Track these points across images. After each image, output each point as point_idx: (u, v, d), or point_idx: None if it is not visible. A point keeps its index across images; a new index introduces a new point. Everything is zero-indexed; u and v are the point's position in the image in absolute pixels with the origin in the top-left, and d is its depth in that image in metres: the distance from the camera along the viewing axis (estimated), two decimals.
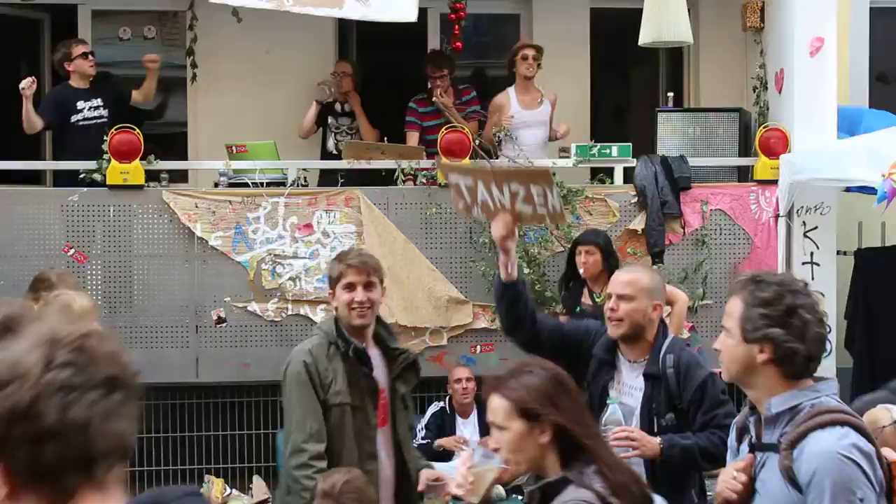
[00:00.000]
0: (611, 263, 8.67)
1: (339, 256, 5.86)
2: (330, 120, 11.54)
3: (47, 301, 6.77)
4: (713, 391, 5.31)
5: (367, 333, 5.70)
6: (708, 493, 5.63)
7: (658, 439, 5.19)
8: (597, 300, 8.62)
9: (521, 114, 10.95)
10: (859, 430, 3.61)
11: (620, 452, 5.09)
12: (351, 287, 5.58)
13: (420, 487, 5.65)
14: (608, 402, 5.28)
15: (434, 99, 11.07)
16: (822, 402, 3.70)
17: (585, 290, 9.01)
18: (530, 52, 11.04)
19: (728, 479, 3.83)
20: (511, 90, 11.09)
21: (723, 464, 5.36)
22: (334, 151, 11.46)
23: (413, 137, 11.37)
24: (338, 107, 11.57)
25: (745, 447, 3.88)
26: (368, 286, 5.61)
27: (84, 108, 10.73)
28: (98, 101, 10.77)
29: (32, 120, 10.53)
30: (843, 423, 3.60)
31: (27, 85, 10.25)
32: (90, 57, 10.84)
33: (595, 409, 5.26)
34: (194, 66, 11.92)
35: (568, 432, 3.78)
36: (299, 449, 5.49)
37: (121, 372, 2.00)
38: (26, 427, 1.91)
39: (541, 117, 11.04)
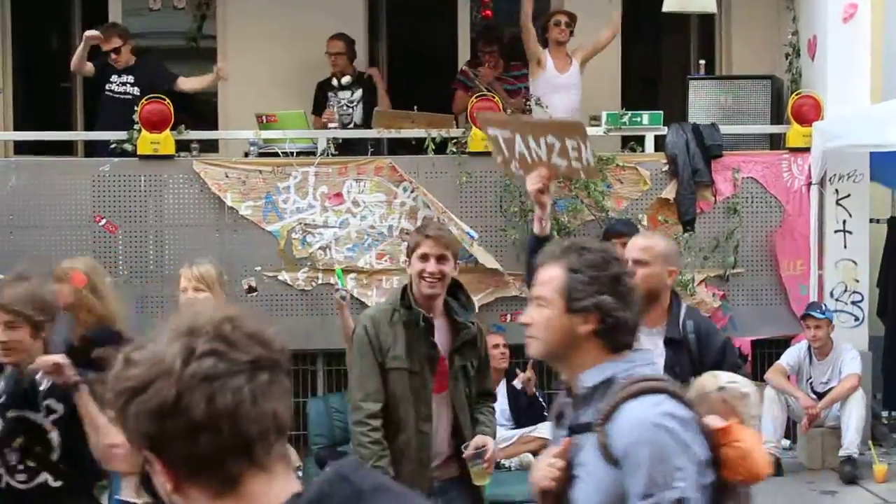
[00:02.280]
0: None
1: (418, 228, 6.14)
2: (330, 95, 11.49)
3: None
4: (731, 356, 5.35)
5: (435, 303, 5.84)
6: None
7: None
8: None
9: (554, 76, 10.92)
10: (676, 396, 3.33)
11: None
12: (425, 258, 5.73)
13: (465, 454, 5.76)
14: None
15: (473, 72, 11.09)
16: (635, 372, 3.41)
17: None
18: (563, 18, 11.03)
19: (544, 466, 3.53)
20: (547, 50, 11.07)
21: None
22: (339, 126, 11.43)
23: (461, 98, 11.39)
24: (334, 82, 11.51)
25: (563, 432, 3.56)
26: (441, 259, 5.75)
27: (115, 82, 10.77)
28: (129, 78, 10.79)
29: (81, 62, 10.66)
30: (656, 391, 3.31)
31: (92, 35, 10.44)
32: (116, 54, 10.77)
33: None
34: (195, 35, 11.87)
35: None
36: (357, 406, 5.75)
37: (264, 351, 2.00)
38: (177, 422, 1.92)
39: (572, 80, 11.00)
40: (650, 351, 3.64)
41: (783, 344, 10.45)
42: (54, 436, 5.03)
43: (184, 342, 1.95)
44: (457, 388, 5.90)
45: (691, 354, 5.28)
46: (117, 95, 10.72)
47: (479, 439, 5.86)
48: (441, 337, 5.86)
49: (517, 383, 9.96)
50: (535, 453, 9.82)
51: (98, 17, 12.04)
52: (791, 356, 10.10)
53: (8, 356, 4.91)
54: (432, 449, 5.82)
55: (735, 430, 3.40)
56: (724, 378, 4.71)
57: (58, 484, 5.09)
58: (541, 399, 10.03)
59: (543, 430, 9.89)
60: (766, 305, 10.59)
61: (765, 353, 10.60)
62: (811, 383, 10.05)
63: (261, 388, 1.96)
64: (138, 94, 10.64)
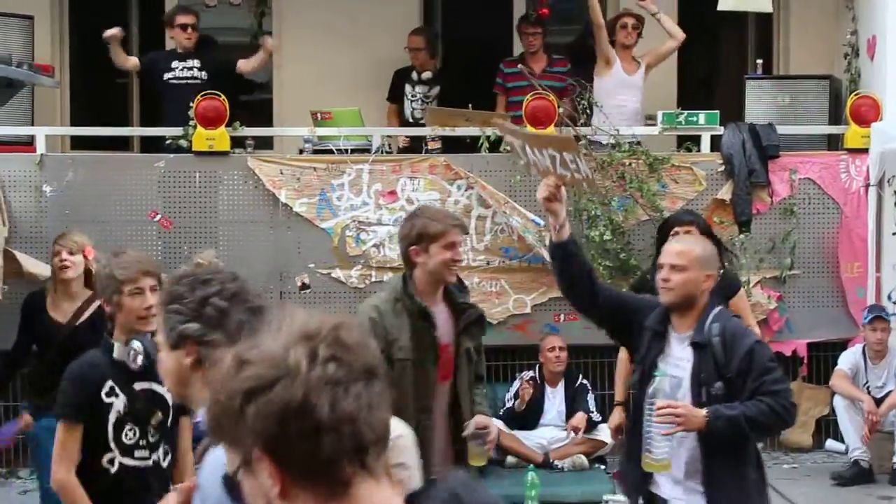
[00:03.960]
0: None
1: (431, 215, 5.82)
2: (407, 88, 11.52)
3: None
4: (761, 358, 5.20)
5: (439, 291, 5.77)
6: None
7: (703, 411, 5.11)
8: None
9: (622, 77, 10.89)
10: None
11: (665, 427, 5.11)
12: (452, 246, 5.64)
13: (465, 433, 5.68)
14: (655, 374, 5.23)
15: (519, 66, 11.01)
16: None
17: None
18: (630, 21, 11.02)
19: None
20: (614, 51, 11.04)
21: (774, 432, 5.33)
22: (411, 120, 11.46)
23: (501, 102, 11.45)
24: (414, 75, 11.53)
25: None
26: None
27: (177, 68, 10.83)
28: (195, 62, 10.85)
29: (121, 58, 10.83)
30: None
31: (110, 35, 10.56)
32: (189, 30, 10.87)
33: (647, 383, 5.27)
34: (257, 33, 11.92)
35: None
36: None
37: (375, 361, 2.04)
38: (301, 423, 1.93)
39: (637, 83, 10.98)
40: None
41: (839, 347, 10.36)
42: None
43: (307, 345, 1.97)
44: (461, 374, 5.82)
45: (716, 358, 5.19)
46: (183, 81, 10.73)
47: (481, 419, 5.77)
48: (443, 323, 5.77)
49: (516, 405, 9.90)
50: (588, 455, 9.80)
51: (154, 12, 12.09)
52: (848, 360, 10.01)
53: (151, 323, 4.80)
54: (433, 444, 5.67)
55: None
56: None
57: (166, 463, 5.07)
58: (593, 405, 9.97)
59: (598, 432, 9.87)
60: (822, 307, 10.49)
61: (820, 356, 10.51)
62: (867, 387, 9.95)
63: (375, 395, 2.00)
64: (206, 77, 10.73)
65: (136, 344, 4.88)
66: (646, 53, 11.05)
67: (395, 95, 11.63)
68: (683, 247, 5.50)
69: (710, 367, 5.20)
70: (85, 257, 7.43)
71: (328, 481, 1.96)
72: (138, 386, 4.95)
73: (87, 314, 7.33)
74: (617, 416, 7.90)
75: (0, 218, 9.48)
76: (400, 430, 4.50)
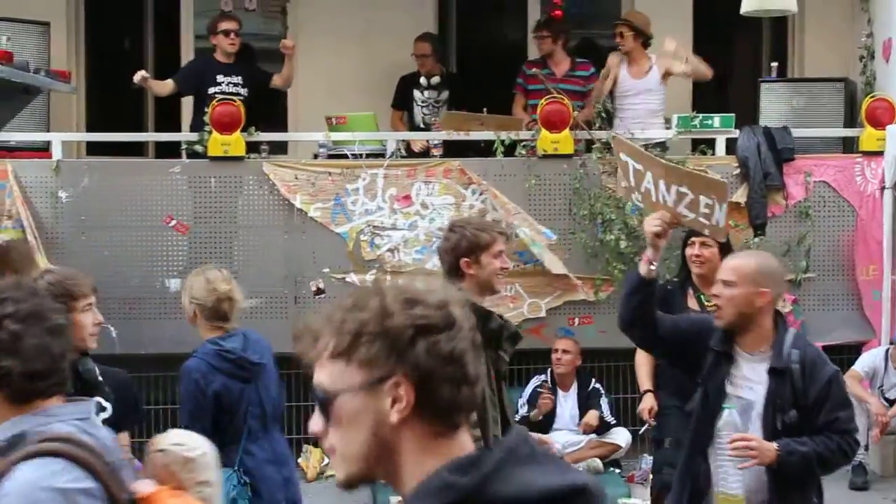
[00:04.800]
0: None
1: (478, 225, 5.75)
2: (416, 93, 11.52)
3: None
4: (838, 391, 5.10)
5: None
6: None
7: (775, 445, 4.97)
8: (705, 303, 7.18)
9: (628, 82, 10.89)
10: (79, 460, 2.90)
11: (738, 463, 4.97)
12: (500, 255, 5.59)
13: None
14: (724, 407, 5.06)
15: (533, 70, 11.00)
16: (50, 428, 2.98)
17: (690, 291, 7.56)
18: (619, 30, 10.97)
19: None
20: (622, 58, 11.06)
21: (836, 469, 5.21)
22: (421, 125, 11.46)
23: (520, 102, 11.41)
24: (423, 80, 11.53)
25: None
26: None
27: (223, 83, 10.81)
28: (238, 79, 10.86)
29: (157, 89, 10.88)
30: (55, 454, 2.89)
31: (139, 80, 10.48)
32: (232, 35, 10.89)
33: (711, 405, 5.12)
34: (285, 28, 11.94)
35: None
36: None
37: (476, 339, 2.25)
38: (456, 370, 2.18)
39: (647, 86, 10.93)
40: (86, 402, 3.19)
41: (855, 349, 10.33)
42: None
43: (461, 309, 2.24)
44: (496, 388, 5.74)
45: (794, 386, 5.03)
46: (227, 97, 10.61)
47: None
48: None
49: (532, 415, 9.91)
50: (603, 458, 9.80)
51: (170, 18, 12.14)
52: (866, 362, 9.96)
53: None
54: None
55: (161, 499, 3.17)
56: (168, 439, 4.50)
57: None
58: (607, 408, 9.97)
59: (612, 435, 9.87)
60: (838, 310, 10.47)
61: (835, 360, 10.45)
62: (882, 390, 9.91)
63: (480, 368, 2.25)
64: (247, 94, 10.74)
65: None
66: (663, 57, 10.97)
67: (400, 102, 11.62)
68: (737, 262, 5.27)
69: (787, 394, 5.04)
70: None
71: (446, 423, 2.19)
72: None
73: None
74: (648, 399, 7.86)
75: (35, 244, 9.42)
76: (204, 447, 4.53)
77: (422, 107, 11.49)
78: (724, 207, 5.21)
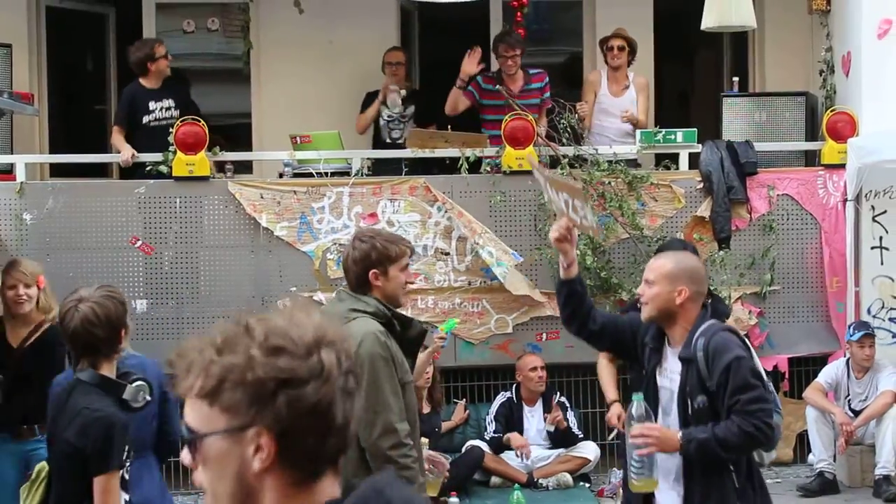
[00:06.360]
0: None
1: (387, 237, 5.70)
2: (382, 110, 11.49)
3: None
4: (738, 374, 5.20)
5: None
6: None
7: (679, 435, 5.19)
8: None
9: (607, 100, 10.97)
10: None
11: (641, 449, 5.17)
12: (406, 268, 5.61)
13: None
14: (633, 397, 5.31)
15: (498, 87, 10.97)
16: None
17: None
18: (616, 43, 11.06)
19: None
20: (604, 71, 11.13)
21: (750, 451, 5.35)
22: (388, 140, 11.44)
23: (461, 99, 11.09)
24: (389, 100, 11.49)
25: None
26: None
27: (156, 109, 10.76)
28: (170, 102, 10.81)
29: (128, 153, 10.51)
30: None
31: (124, 161, 10.44)
32: (169, 57, 10.88)
33: (651, 395, 5.40)
34: (247, 59, 11.96)
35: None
36: (393, 429, 5.36)
37: (348, 384, 2.19)
38: (320, 422, 2.13)
39: (624, 105, 11.01)
40: None
41: (820, 361, 10.41)
42: None
43: (332, 352, 2.16)
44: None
45: (700, 373, 5.24)
46: (161, 122, 10.61)
47: (431, 455, 5.85)
48: None
49: (549, 427, 9.93)
50: (572, 472, 9.83)
51: (132, 39, 12.11)
52: (829, 374, 10.05)
53: None
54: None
55: None
56: None
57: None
58: (574, 420, 10.01)
59: (581, 449, 9.90)
60: (802, 322, 10.54)
61: (801, 371, 10.56)
62: (849, 401, 9.99)
63: (356, 409, 2.21)
64: (179, 115, 10.64)
65: (142, 384, 4.91)
66: (642, 84, 11.10)
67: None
68: (656, 262, 5.57)
69: (695, 381, 5.25)
70: (38, 287, 7.25)
71: (308, 472, 2.16)
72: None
73: (34, 337, 7.20)
74: (616, 408, 8.08)
75: None
76: None
77: (388, 122, 11.46)
78: (589, 208, 5.63)
